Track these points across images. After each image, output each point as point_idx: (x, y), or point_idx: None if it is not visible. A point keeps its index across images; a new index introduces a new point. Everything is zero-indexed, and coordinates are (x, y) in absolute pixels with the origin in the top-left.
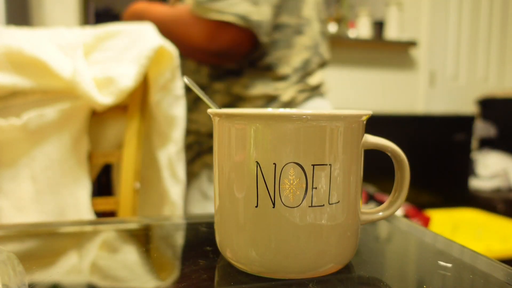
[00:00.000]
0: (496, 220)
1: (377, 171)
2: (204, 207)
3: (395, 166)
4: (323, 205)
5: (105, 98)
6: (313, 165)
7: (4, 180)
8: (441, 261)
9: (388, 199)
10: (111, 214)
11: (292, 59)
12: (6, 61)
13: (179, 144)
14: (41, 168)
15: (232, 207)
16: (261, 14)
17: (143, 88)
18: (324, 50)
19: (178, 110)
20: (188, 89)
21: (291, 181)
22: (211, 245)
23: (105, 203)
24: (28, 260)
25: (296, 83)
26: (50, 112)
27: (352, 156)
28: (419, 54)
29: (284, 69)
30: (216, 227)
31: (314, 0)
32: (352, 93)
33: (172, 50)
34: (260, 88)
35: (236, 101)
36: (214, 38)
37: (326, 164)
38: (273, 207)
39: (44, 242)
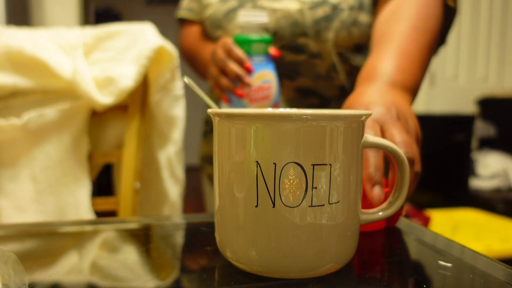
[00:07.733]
0: (496, 220)
1: None
2: None
3: (395, 166)
4: (323, 205)
5: (105, 98)
6: (313, 165)
7: (4, 180)
8: (441, 261)
9: (388, 199)
10: (111, 214)
11: None
12: (6, 61)
13: (179, 144)
14: (41, 168)
15: (232, 207)
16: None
17: (143, 88)
18: None
19: (178, 110)
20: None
21: (291, 181)
22: (211, 245)
23: (105, 203)
24: (28, 260)
25: None
26: (50, 112)
27: (352, 156)
28: None
29: None
30: (216, 227)
31: None
32: None
33: (172, 50)
34: None
35: None
36: None
37: (326, 164)
38: (273, 207)
39: (44, 242)
